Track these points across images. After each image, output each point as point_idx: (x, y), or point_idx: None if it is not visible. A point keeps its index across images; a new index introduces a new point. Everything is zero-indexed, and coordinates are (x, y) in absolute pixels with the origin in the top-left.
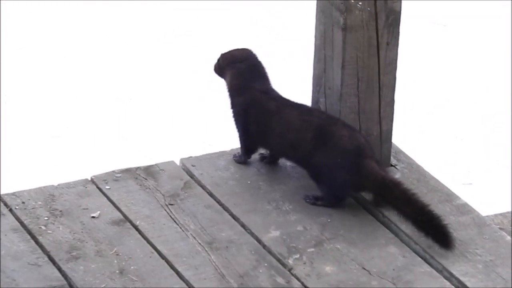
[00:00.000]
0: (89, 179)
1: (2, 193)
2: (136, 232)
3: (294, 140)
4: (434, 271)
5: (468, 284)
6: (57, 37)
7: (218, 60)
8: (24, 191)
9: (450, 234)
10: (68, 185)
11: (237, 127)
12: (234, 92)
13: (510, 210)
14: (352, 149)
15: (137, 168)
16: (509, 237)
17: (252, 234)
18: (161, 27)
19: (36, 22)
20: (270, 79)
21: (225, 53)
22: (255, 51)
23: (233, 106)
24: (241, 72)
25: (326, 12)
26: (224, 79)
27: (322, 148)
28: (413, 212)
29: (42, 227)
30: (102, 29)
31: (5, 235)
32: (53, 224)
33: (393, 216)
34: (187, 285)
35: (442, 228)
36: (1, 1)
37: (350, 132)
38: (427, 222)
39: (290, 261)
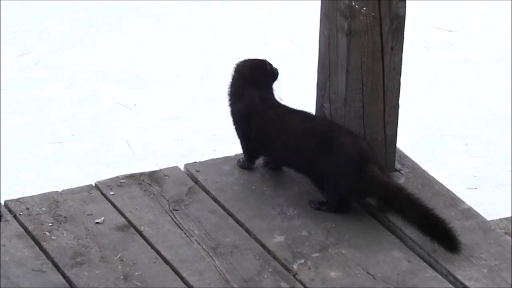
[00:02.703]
0: (94, 185)
1: (6, 199)
2: (141, 238)
3: (297, 148)
4: (439, 276)
5: None
6: (60, 42)
7: None
8: (28, 197)
9: (456, 237)
10: (72, 191)
11: (238, 135)
12: (232, 100)
13: None
14: (355, 155)
15: (142, 174)
16: None
17: (256, 239)
18: (166, 31)
19: (39, 23)
20: (272, 89)
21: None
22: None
23: (232, 113)
24: (234, 82)
25: (331, 17)
26: None
27: (325, 155)
28: (418, 216)
29: (47, 233)
30: (106, 33)
31: (10, 241)
32: (58, 230)
33: (397, 221)
34: None
35: (448, 232)
36: (1, 1)
37: (353, 138)
38: (432, 226)
39: (295, 266)
